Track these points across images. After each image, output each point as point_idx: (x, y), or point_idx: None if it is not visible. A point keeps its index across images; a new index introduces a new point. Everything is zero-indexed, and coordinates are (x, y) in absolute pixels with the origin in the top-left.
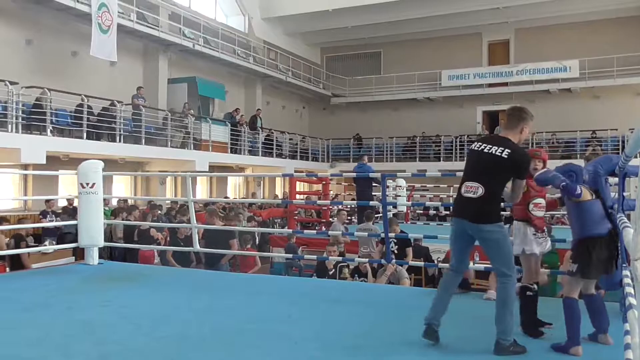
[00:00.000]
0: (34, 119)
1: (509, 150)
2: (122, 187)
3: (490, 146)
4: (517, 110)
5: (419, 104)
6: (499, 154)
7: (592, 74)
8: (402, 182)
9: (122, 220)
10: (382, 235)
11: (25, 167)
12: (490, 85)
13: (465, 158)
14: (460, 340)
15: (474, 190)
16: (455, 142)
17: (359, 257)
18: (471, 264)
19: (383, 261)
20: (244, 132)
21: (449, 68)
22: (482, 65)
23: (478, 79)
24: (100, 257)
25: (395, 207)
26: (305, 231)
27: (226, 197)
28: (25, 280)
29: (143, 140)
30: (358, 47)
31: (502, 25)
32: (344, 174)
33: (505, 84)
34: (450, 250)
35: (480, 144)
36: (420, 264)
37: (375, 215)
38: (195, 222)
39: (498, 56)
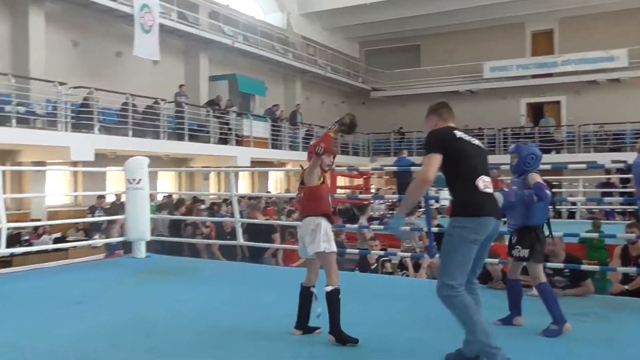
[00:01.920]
0: (82, 118)
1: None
2: (167, 182)
3: (472, 138)
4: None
5: (460, 96)
6: (483, 148)
7: None
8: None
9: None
10: (425, 229)
11: (75, 164)
12: (534, 76)
13: (457, 149)
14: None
15: (491, 185)
16: (498, 135)
17: (401, 251)
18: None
19: (426, 256)
20: (285, 128)
21: (491, 60)
22: (525, 56)
23: (521, 70)
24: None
25: (437, 201)
26: (347, 225)
27: (268, 192)
28: (75, 274)
29: (186, 137)
30: (397, 40)
31: (546, 14)
32: (385, 167)
33: (550, 75)
34: (460, 266)
35: (466, 135)
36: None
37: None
38: (238, 216)
39: (542, 46)
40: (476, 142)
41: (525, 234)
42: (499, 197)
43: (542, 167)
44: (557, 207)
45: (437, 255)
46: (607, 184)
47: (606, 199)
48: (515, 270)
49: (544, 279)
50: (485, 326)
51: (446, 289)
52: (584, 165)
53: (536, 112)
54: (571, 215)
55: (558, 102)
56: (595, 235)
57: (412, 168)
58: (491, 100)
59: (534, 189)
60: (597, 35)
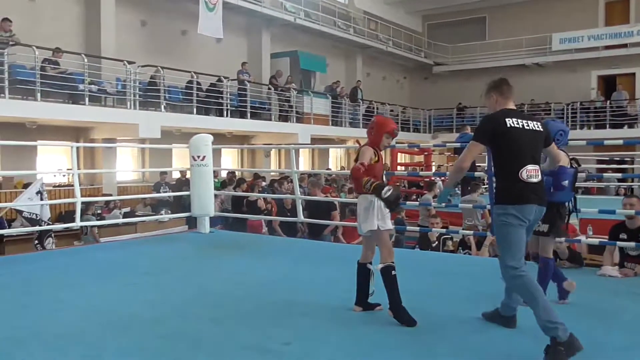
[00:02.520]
0: (149, 96)
1: (538, 123)
2: (230, 159)
3: (527, 122)
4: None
5: (527, 70)
6: (539, 129)
7: None
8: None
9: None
10: (488, 206)
11: (143, 141)
12: (607, 47)
13: (505, 141)
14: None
15: (536, 174)
16: (567, 109)
17: (463, 229)
18: (583, 237)
19: (488, 233)
20: (345, 105)
21: (560, 31)
22: (597, 26)
23: (593, 41)
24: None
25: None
26: (407, 202)
27: (328, 169)
28: (144, 247)
29: (248, 114)
30: (461, 13)
31: None
32: (447, 144)
33: (625, 46)
34: (515, 246)
35: (518, 120)
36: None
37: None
38: (299, 193)
39: (616, 16)
40: (531, 125)
41: (547, 209)
42: None
43: (614, 142)
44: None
45: None
46: None
47: None
48: (535, 245)
49: (551, 255)
50: (547, 303)
51: (510, 271)
52: None
53: (608, 85)
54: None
55: (632, 74)
56: None
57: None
58: (560, 74)
59: (556, 174)
60: None
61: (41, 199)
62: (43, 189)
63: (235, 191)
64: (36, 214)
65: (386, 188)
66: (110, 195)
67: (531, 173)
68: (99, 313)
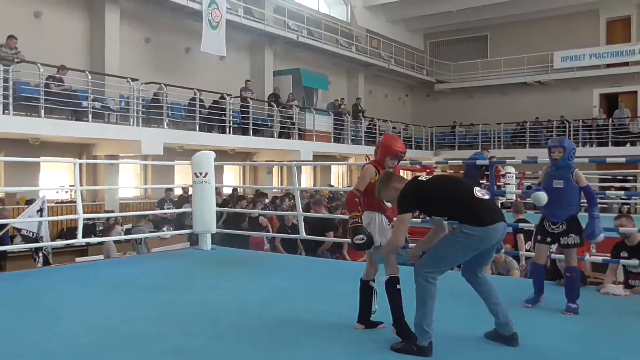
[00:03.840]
0: (152, 113)
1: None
2: (232, 176)
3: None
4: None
5: (529, 88)
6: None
7: None
8: (511, 170)
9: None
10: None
11: (145, 158)
12: (609, 65)
13: (431, 192)
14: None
15: (484, 192)
16: (569, 127)
17: None
18: (587, 255)
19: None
20: (347, 122)
21: (562, 49)
22: (599, 45)
23: (594, 60)
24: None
25: (503, 195)
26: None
27: (331, 186)
28: (147, 264)
29: (251, 131)
30: (463, 31)
31: (622, 0)
32: (449, 161)
33: (626, 64)
34: (452, 262)
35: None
36: (531, 254)
37: None
38: (300, 210)
39: (617, 34)
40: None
41: (574, 222)
42: (541, 196)
43: (616, 160)
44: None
45: (502, 250)
46: None
47: None
48: (545, 256)
49: (576, 263)
50: (431, 313)
51: (427, 276)
52: None
53: (610, 103)
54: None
55: (634, 92)
56: None
57: (478, 162)
58: (562, 92)
59: (589, 195)
60: None
61: (41, 216)
62: (44, 206)
63: (234, 208)
64: (33, 232)
65: (359, 236)
66: (112, 212)
67: (481, 192)
68: (100, 329)
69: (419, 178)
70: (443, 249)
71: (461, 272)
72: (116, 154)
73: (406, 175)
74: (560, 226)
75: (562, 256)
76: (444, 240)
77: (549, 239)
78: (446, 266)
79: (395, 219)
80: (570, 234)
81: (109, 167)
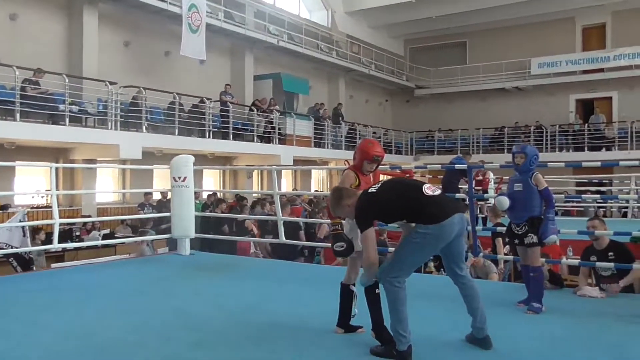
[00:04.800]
0: (130, 117)
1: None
2: (212, 180)
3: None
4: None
5: (507, 93)
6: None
7: None
8: (489, 175)
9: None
10: (468, 228)
11: (123, 162)
12: (585, 72)
13: (384, 204)
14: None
15: (434, 188)
16: (546, 132)
17: None
18: (564, 259)
19: (470, 255)
20: (327, 126)
21: (539, 55)
22: (575, 51)
23: (571, 66)
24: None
25: (483, 200)
26: (389, 224)
27: (316, 190)
28: (123, 269)
29: (231, 136)
30: (442, 38)
31: (598, 8)
32: (428, 166)
33: (601, 70)
34: (414, 264)
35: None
36: (510, 257)
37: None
38: (280, 214)
39: (593, 41)
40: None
41: (535, 223)
42: (503, 201)
43: (592, 164)
44: (604, 204)
45: (481, 254)
46: None
47: None
48: (526, 257)
49: (540, 262)
50: (404, 316)
51: (392, 281)
52: (636, 162)
53: (586, 108)
54: (624, 214)
55: (609, 98)
56: None
57: (457, 166)
58: (539, 97)
59: (546, 197)
60: None
61: (23, 231)
62: (25, 219)
63: (214, 212)
64: (6, 243)
65: (339, 243)
66: (89, 216)
67: (431, 190)
68: (78, 336)
69: (369, 190)
70: (402, 252)
71: (447, 273)
72: (94, 158)
73: (386, 179)
74: (523, 227)
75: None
76: (402, 244)
77: (516, 241)
78: (409, 269)
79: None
80: (530, 234)
81: (87, 172)
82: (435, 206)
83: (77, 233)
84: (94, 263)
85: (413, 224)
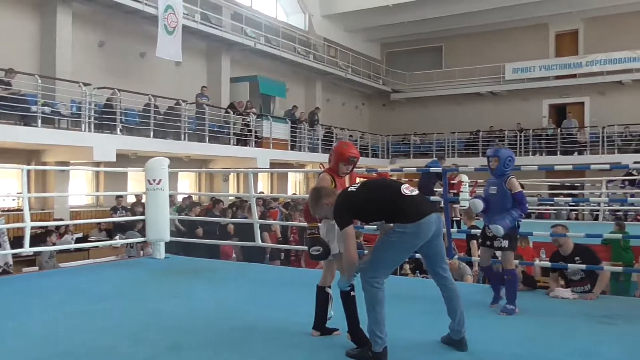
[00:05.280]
0: (105, 119)
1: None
2: (187, 184)
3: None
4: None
5: (482, 98)
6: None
7: None
8: (464, 178)
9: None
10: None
11: (97, 164)
12: (558, 77)
13: (361, 203)
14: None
15: (412, 188)
16: (520, 136)
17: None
18: (537, 260)
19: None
20: (304, 129)
21: (514, 61)
22: (548, 57)
23: (544, 71)
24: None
25: (457, 202)
26: (365, 226)
27: (294, 194)
28: (96, 273)
29: (207, 138)
30: (418, 42)
31: (570, 15)
32: (404, 169)
33: (574, 76)
34: (393, 263)
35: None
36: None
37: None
38: (257, 217)
39: (566, 47)
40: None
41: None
42: (477, 203)
43: (564, 167)
44: (577, 207)
45: (456, 256)
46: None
47: (630, 199)
48: (488, 259)
49: (514, 266)
50: (381, 317)
51: (371, 281)
52: (607, 166)
53: (559, 113)
54: (595, 217)
55: (582, 103)
56: (619, 236)
57: (432, 169)
58: (513, 102)
59: (519, 201)
60: (623, 35)
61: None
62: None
63: (188, 215)
64: None
65: (315, 247)
66: (62, 220)
67: (409, 189)
68: (49, 342)
69: (349, 189)
70: (380, 252)
71: (430, 274)
72: (67, 160)
73: None
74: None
75: (515, 262)
76: (380, 244)
77: (488, 243)
78: (387, 269)
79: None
80: (499, 238)
81: (59, 174)
82: (412, 205)
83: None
84: (66, 267)
85: (391, 224)
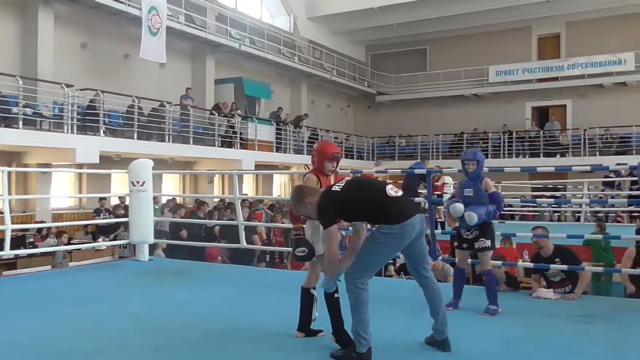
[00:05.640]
0: (88, 120)
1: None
2: (172, 186)
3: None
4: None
5: (466, 100)
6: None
7: None
8: (448, 180)
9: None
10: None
11: (80, 166)
12: (540, 80)
13: (346, 202)
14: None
15: (396, 189)
16: (503, 138)
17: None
18: (520, 261)
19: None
20: (289, 131)
21: (497, 64)
22: (531, 60)
23: (527, 74)
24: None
25: (441, 204)
26: (350, 228)
27: (279, 195)
28: (79, 276)
29: (191, 140)
30: (403, 44)
31: (552, 18)
32: (388, 171)
33: (556, 79)
34: (378, 264)
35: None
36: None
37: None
38: (241, 219)
39: (548, 50)
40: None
41: (485, 228)
42: (457, 207)
43: (546, 169)
44: (559, 209)
45: (440, 257)
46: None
47: (611, 200)
48: (465, 261)
49: (490, 266)
50: (365, 318)
51: (356, 282)
52: (588, 168)
53: (541, 115)
54: (577, 218)
55: (564, 106)
56: (599, 237)
57: (416, 171)
58: (497, 104)
59: (496, 201)
60: (604, 38)
61: None
62: None
63: (173, 217)
64: None
65: (300, 249)
66: (44, 222)
67: (393, 190)
68: (31, 346)
69: (333, 188)
70: (365, 253)
71: (413, 276)
72: (49, 162)
73: None
74: (474, 232)
75: (498, 262)
76: (365, 245)
77: (464, 245)
78: (372, 270)
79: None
80: (481, 239)
81: (41, 177)
82: (397, 206)
83: (31, 240)
84: (48, 270)
85: (375, 226)
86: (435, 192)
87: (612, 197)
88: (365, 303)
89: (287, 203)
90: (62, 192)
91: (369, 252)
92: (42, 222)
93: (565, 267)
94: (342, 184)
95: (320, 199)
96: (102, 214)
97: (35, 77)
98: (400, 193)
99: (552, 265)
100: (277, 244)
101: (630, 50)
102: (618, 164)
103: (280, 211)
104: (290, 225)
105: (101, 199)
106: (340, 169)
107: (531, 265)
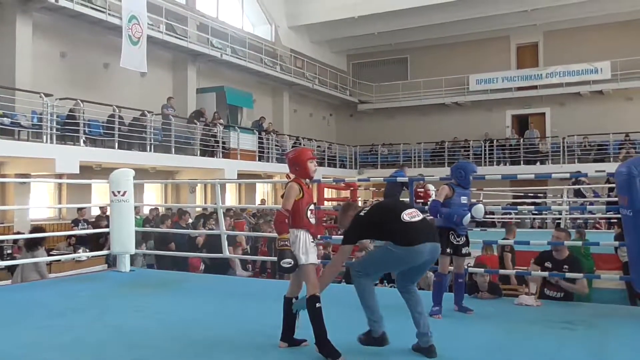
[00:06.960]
0: (67, 130)
1: None
2: (153, 195)
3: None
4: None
5: (447, 108)
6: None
7: (624, 76)
8: (430, 187)
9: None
10: None
11: (60, 176)
12: (520, 88)
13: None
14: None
15: (415, 214)
16: (484, 146)
17: None
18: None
19: None
20: (272, 140)
21: (477, 72)
22: (510, 69)
23: (507, 83)
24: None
25: (425, 212)
26: (333, 237)
27: (263, 201)
28: (58, 287)
29: (173, 149)
30: (384, 53)
31: (531, 28)
32: (371, 179)
33: (535, 87)
34: (383, 270)
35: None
36: (451, 268)
37: None
38: (224, 228)
39: (527, 59)
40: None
41: (468, 235)
42: (479, 208)
43: (526, 176)
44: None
45: None
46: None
47: (589, 207)
48: (448, 266)
49: (447, 271)
50: (373, 303)
51: (357, 274)
52: (567, 175)
53: (521, 123)
54: (557, 225)
55: (543, 114)
56: (578, 243)
57: (399, 179)
58: (477, 112)
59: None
60: (581, 48)
61: None
62: None
63: (159, 227)
64: None
65: (286, 260)
66: (23, 233)
67: (411, 215)
68: (8, 359)
69: (360, 213)
70: (376, 254)
71: (396, 281)
72: (28, 173)
73: (330, 193)
74: (463, 238)
75: (480, 270)
76: (380, 248)
77: (448, 250)
78: (375, 270)
79: (319, 236)
80: (466, 246)
81: (19, 187)
82: (406, 232)
83: (9, 251)
84: (25, 282)
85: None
86: (420, 200)
87: (591, 204)
88: (371, 291)
89: (270, 212)
90: (41, 203)
91: (379, 254)
92: (20, 233)
93: (564, 274)
94: (367, 210)
95: (353, 220)
96: (80, 224)
97: (13, 87)
98: (417, 218)
99: (534, 272)
100: (262, 254)
101: (606, 59)
102: (597, 171)
103: (264, 219)
104: (275, 235)
105: (80, 209)
106: (323, 178)
107: (513, 272)
